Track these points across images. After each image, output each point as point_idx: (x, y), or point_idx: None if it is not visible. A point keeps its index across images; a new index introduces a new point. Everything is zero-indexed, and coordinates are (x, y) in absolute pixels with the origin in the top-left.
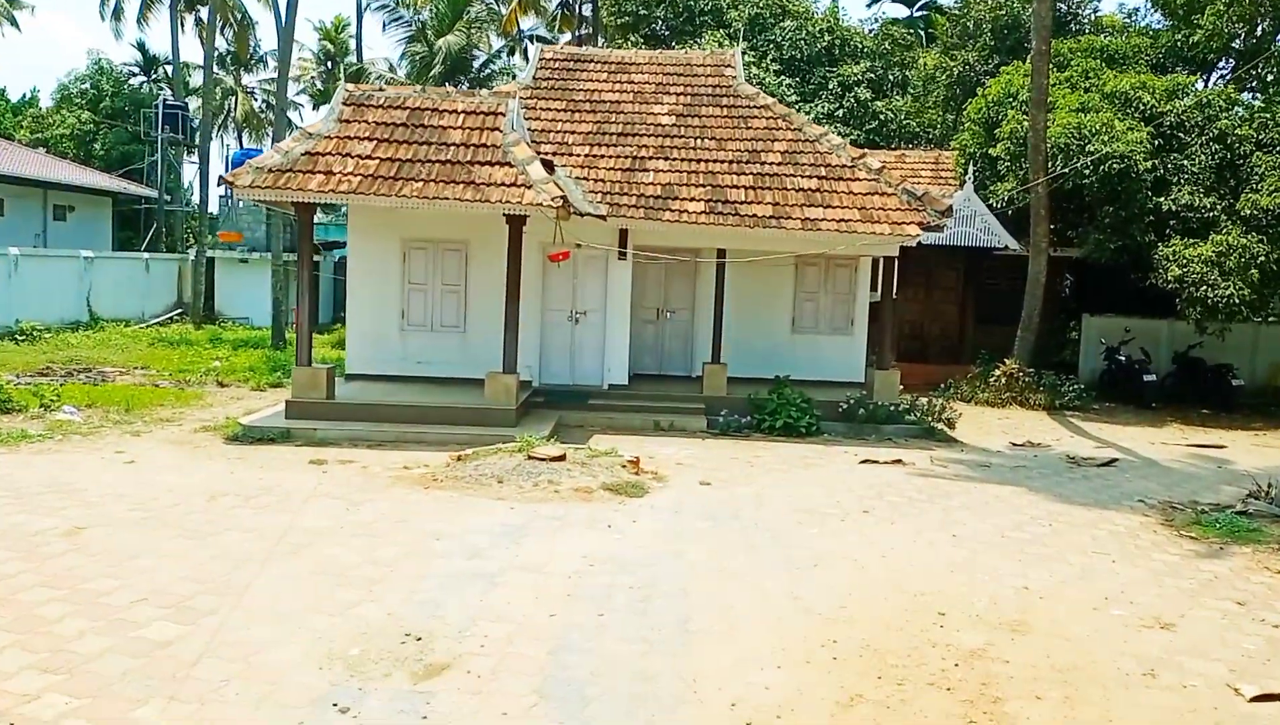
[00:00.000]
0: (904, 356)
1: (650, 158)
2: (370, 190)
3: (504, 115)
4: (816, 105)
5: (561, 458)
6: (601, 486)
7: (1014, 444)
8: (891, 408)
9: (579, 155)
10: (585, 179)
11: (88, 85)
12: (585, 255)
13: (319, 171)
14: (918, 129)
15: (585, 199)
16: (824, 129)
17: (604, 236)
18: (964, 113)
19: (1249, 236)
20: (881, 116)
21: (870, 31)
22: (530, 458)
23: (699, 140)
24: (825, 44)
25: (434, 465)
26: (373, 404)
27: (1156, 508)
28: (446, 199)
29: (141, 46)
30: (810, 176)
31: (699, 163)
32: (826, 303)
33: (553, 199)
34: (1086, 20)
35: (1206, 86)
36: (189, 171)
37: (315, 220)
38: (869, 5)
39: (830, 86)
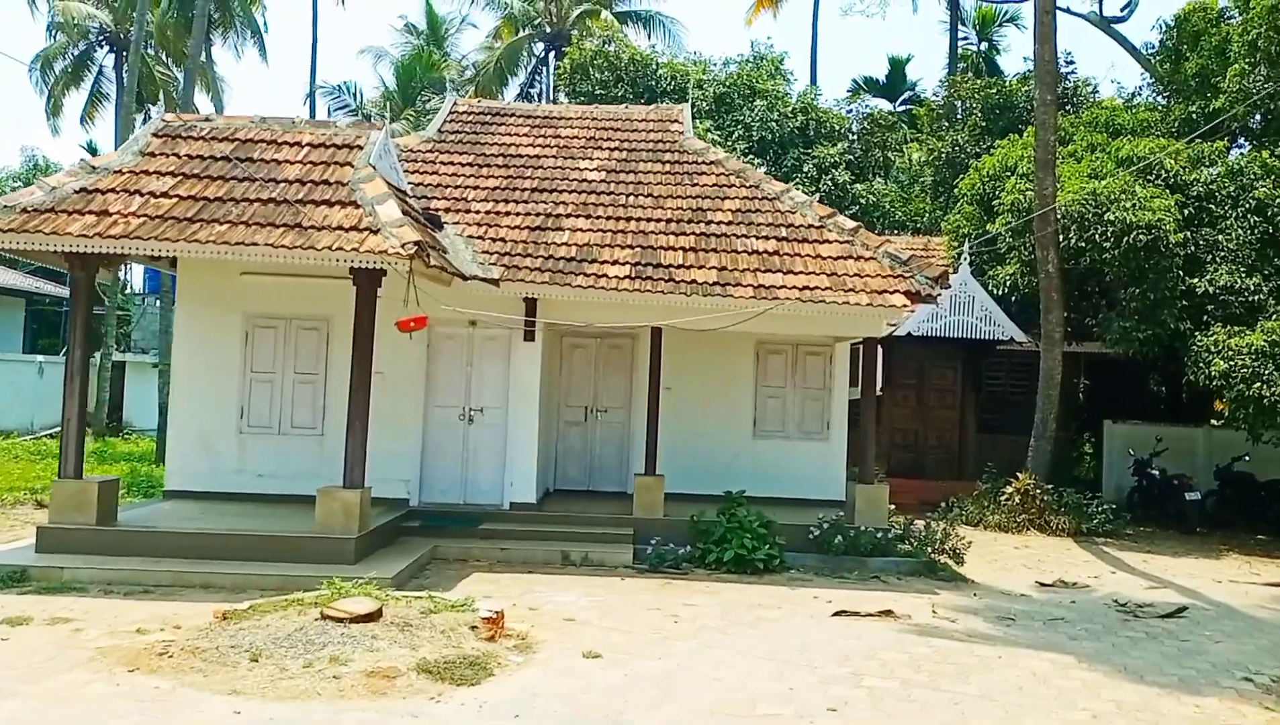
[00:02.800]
0: (895, 470)
1: (567, 216)
2: (152, 234)
3: (360, 149)
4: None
5: (373, 616)
6: (417, 666)
7: (1042, 584)
8: (878, 534)
9: (478, 212)
10: (481, 238)
11: (20, 183)
12: (483, 336)
13: (91, 212)
14: (904, 218)
15: (475, 260)
16: (786, 186)
17: (506, 310)
18: (955, 191)
19: None
20: (863, 201)
21: (848, 113)
22: (326, 616)
23: (631, 197)
24: (798, 124)
25: (187, 628)
26: (162, 532)
27: (1275, 689)
28: (255, 245)
29: (91, 147)
30: (767, 237)
31: (628, 221)
32: (796, 400)
33: (404, 245)
34: (1084, 101)
35: (1235, 155)
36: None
37: None
38: (849, 100)
39: (805, 169)
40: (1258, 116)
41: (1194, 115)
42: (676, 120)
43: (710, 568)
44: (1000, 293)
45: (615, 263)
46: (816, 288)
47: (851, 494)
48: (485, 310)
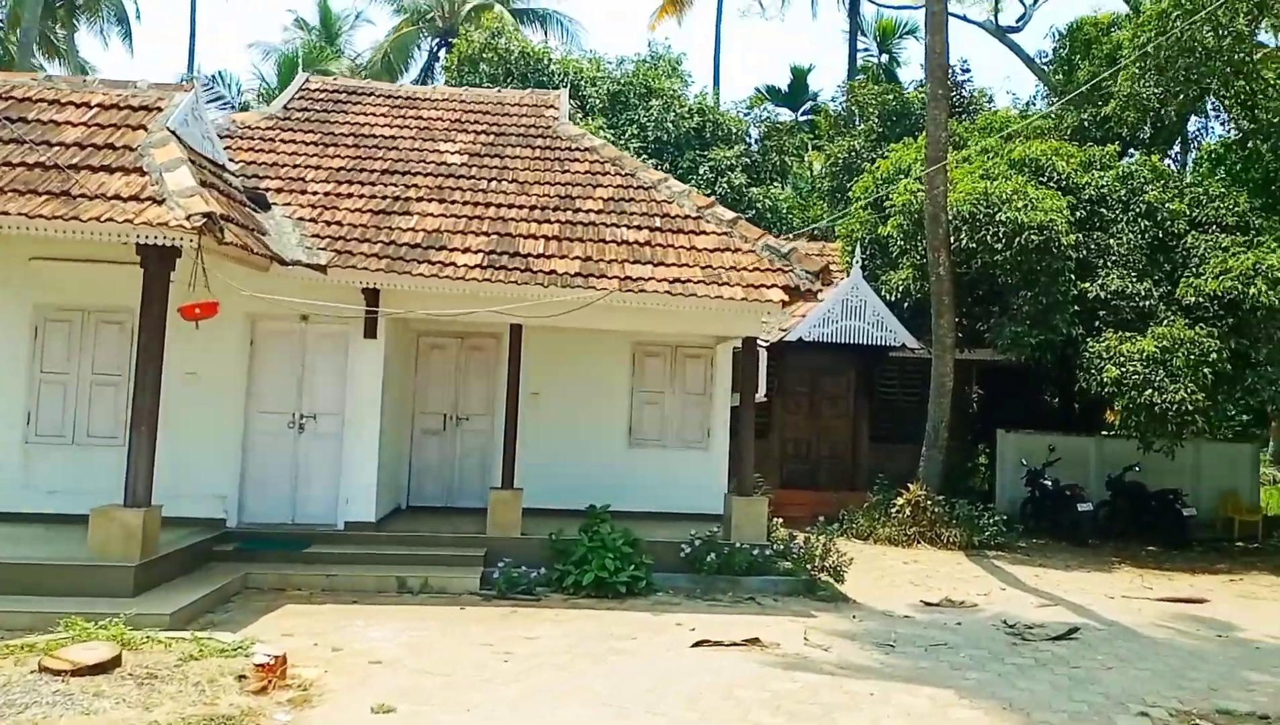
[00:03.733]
0: (789, 481)
1: (418, 200)
2: None
3: (160, 111)
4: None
5: (106, 666)
6: None
7: (927, 603)
8: (755, 551)
9: (315, 193)
10: (314, 221)
11: None
12: (318, 332)
13: None
14: (801, 224)
15: (303, 244)
16: (663, 175)
17: (344, 302)
18: (850, 195)
19: (1195, 329)
20: (759, 205)
21: (746, 116)
22: (44, 668)
23: (493, 182)
24: (695, 126)
25: None
26: None
27: (1174, 721)
28: (6, 214)
29: None
30: (639, 227)
31: (487, 207)
32: (675, 406)
33: (189, 217)
34: (980, 110)
35: (1126, 160)
36: None
37: None
38: (748, 111)
39: (701, 171)
40: (1147, 126)
41: (1086, 122)
42: (553, 106)
43: (568, 592)
44: (893, 298)
45: (466, 251)
46: (689, 281)
47: (729, 508)
48: (318, 301)
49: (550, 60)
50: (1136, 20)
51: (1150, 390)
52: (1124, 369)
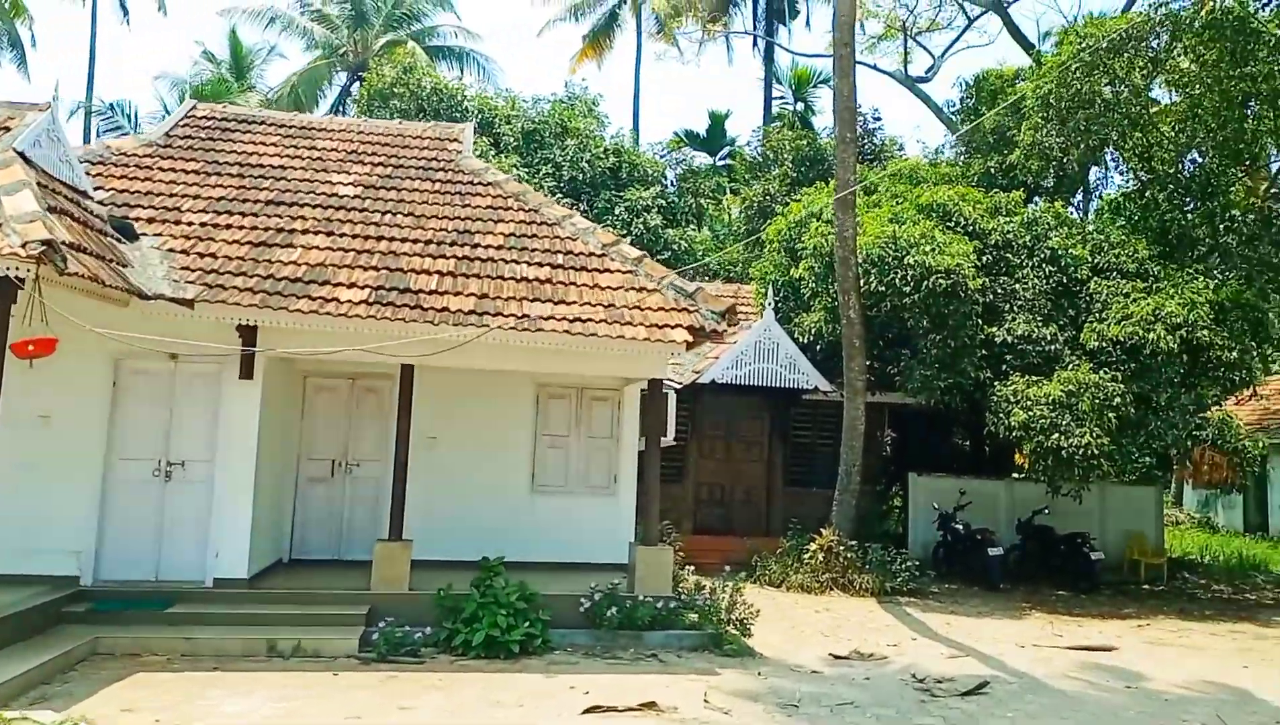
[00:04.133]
0: (703, 526)
1: (304, 232)
2: None
3: (8, 131)
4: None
5: None
6: None
7: (836, 656)
8: (659, 604)
9: (190, 224)
10: (186, 253)
11: None
12: (189, 372)
13: None
14: (718, 267)
15: (169, 277)
16: (569, 211)
17: (218, 341)
18: (764, 237)
19: (1100, 373)
20: (675, 246)
21: (663, 158)
22: None
23: (387, 215)
24: (610, 166)
25: None
26: None
27: None
28: None
29: None
30: (540, 264)
31: (378, 241)
32: (580, 450)
33: (26, 245)
34: (891, 157)
35: (1031, 207)
36: None
37: None
38: (666, 153)
39: (617, 211)
40: (1051, 175)
41: (992, 170)
42: (456, 139)
43: (457, 652)
44: (806, 341)
45: (352, 286)
46: (590, 320)
47: (633, 557)
48: (188, 339)
49: (464, 97)
50: (1039, 72)
51: (1057, 434)
52: (1031, 413)
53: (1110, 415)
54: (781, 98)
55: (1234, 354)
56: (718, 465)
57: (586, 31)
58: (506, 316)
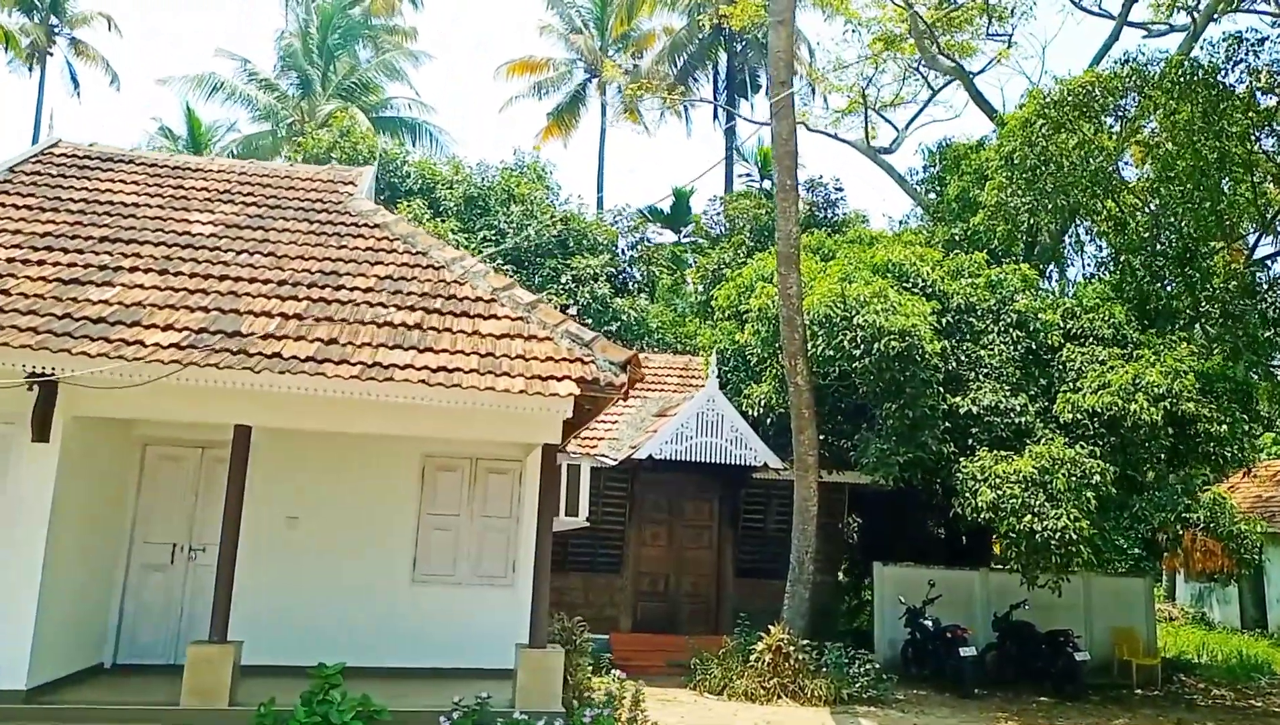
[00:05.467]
0: (644, 623)
1: (131, 270)
2: None
3: None
4: (544, 299)
5: None
6: None
7: None
8: (544, 720)
9: None
10: None
11: None
12: None
13: None
14: (674, 341)
15: None
16: (462, 253)
17: (12, 396)
18: (713, 304)
19: (1076, 448)
20: (624, 317)
21: (614, 225)
22: None
23: (243, 256)
24: (557, 233)
25: None
26: None
27: None
28: None
29: None
30: (413, 308)
31: (220, 281)
32: (473, 532)
33: None
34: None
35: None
36: None
37: None
38: (621, 226)
39: (562, 279)
40: (1021, 245)
41: (957, 237)
42: (351, 182)
43: None
44: (756, 413)
45: (168, 328)
46: (458, 369)
47: (519, 665)
48: None
49: (404, 161)
50: (1003, 131)
51: (1030, 516)
52: (1000, 492)
53: (1089, 494)
54: (747, 175)
55: (1224, 428)
56: (661, 553)
57: (551, 109)
58: (352, 364)
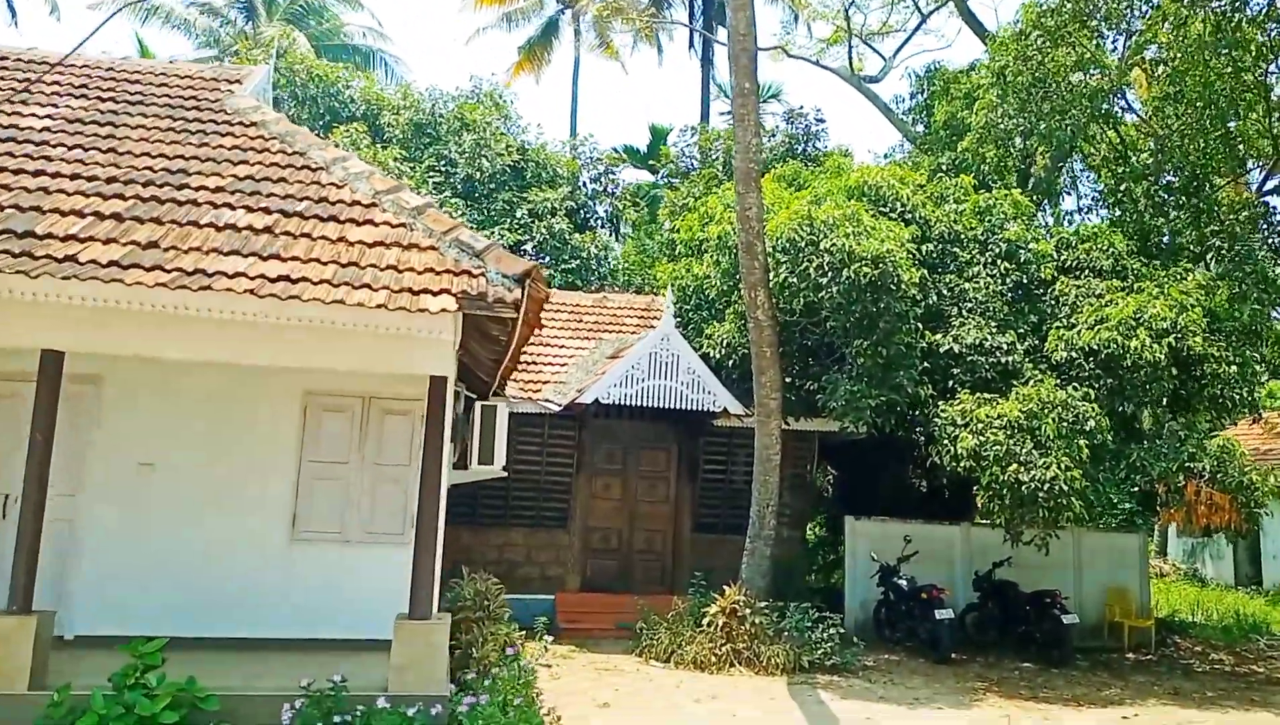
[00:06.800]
0: (594, 582)
1: None
2: None
3: None
4: (495, 234)
5: None
6: None
7: None
8: (416, 710)
9: None
10: None
11: None
12: None
13: None
14: (643, 282)
15: None
16: (345, 154)
17: None
18: (675, 237)
19: (1068, 390)
20: (584, 254)
21: (577, 157)
22: None
23: (73, 150)
24: (512, 163)
25: None
26: None
27: None
28: None
29: None
30: (269, 211)
31: (34, 176)
32: (364, 483)
33: None
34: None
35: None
36: None
37: None
38: (592, 164)
39: (518, 214)
40: (1011, 174)
41: (943, 166)
42: (236, 80)
43: None
44: (718, 355)
45: None
46: (303, 280)
47: (398, 638)
48: None
49: (347, 85)
50: (994, 45)
51: (1015, 465)
52: (983, 438)
53: (1081, 442)
54: (727, 112)
55: (1233, 369)
56: (613, 506)
57: (522, 43)
58: (166, 271)
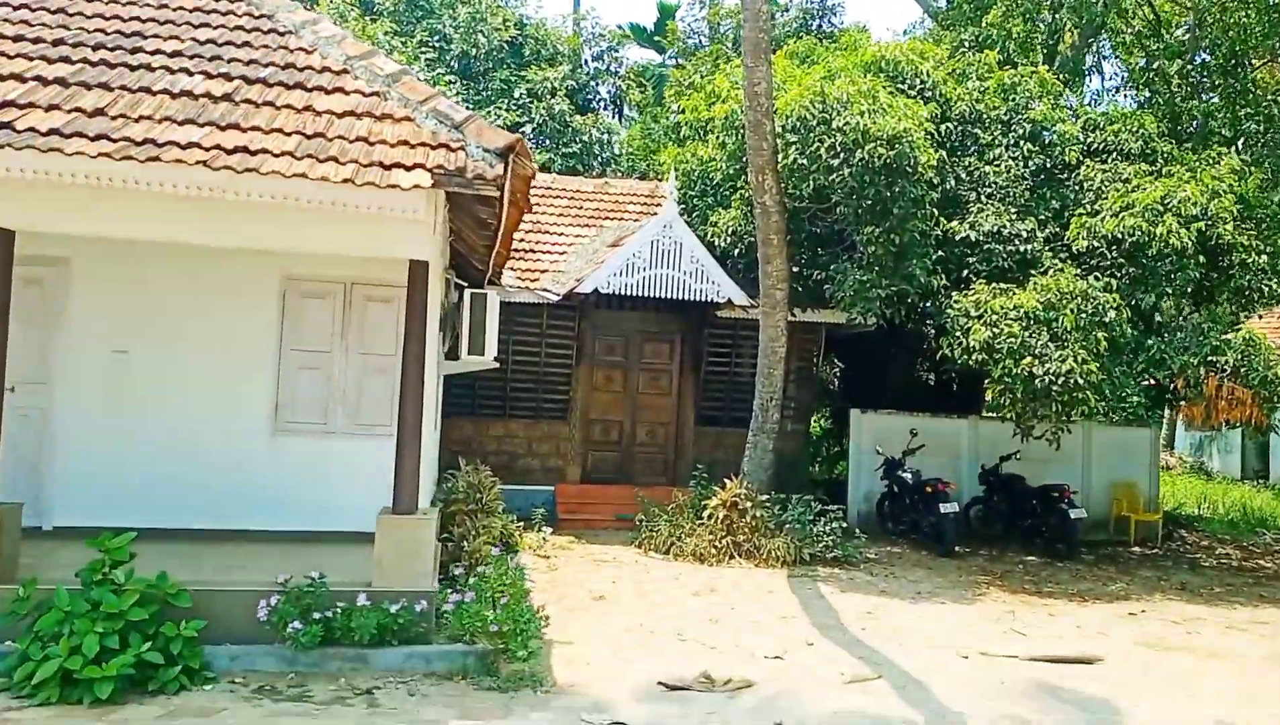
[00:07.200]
0: (595, 474)
1: None
2: None
3: None
4: (492, 115)
5: None
6: None
7: (669, 686)
8: (398, 606)
9: None
10: None
11: None
12: None
13: None
14: (648, 169)
15: None
16: (317, 17)
17: None
18: (681, 119)
19: (1088, 280)
20: (586, 138)
21: (578, 33)
22: None
23: (21, 10)
24: (510, 39)
25: None
26: None
27: None
28: None
29: None
30: (229, 77)
31: None
32: (349, 373)
33: None
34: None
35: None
36: None
37: None
38: (595, 41)
39: (516, 93)
40: (1038, 51)
41: (966, 42)
42: None
43: (24, 693)
44: (724, 244)
45: None
46: (263, 151)
47: (378, 532)
48: None
49: None
50: None
51: (1030, 358)
52: (996, 330)
53: (1100, 334)
54: None
55: (1263, 258)
56: (614, 398)
57: None
58: (108, 140)
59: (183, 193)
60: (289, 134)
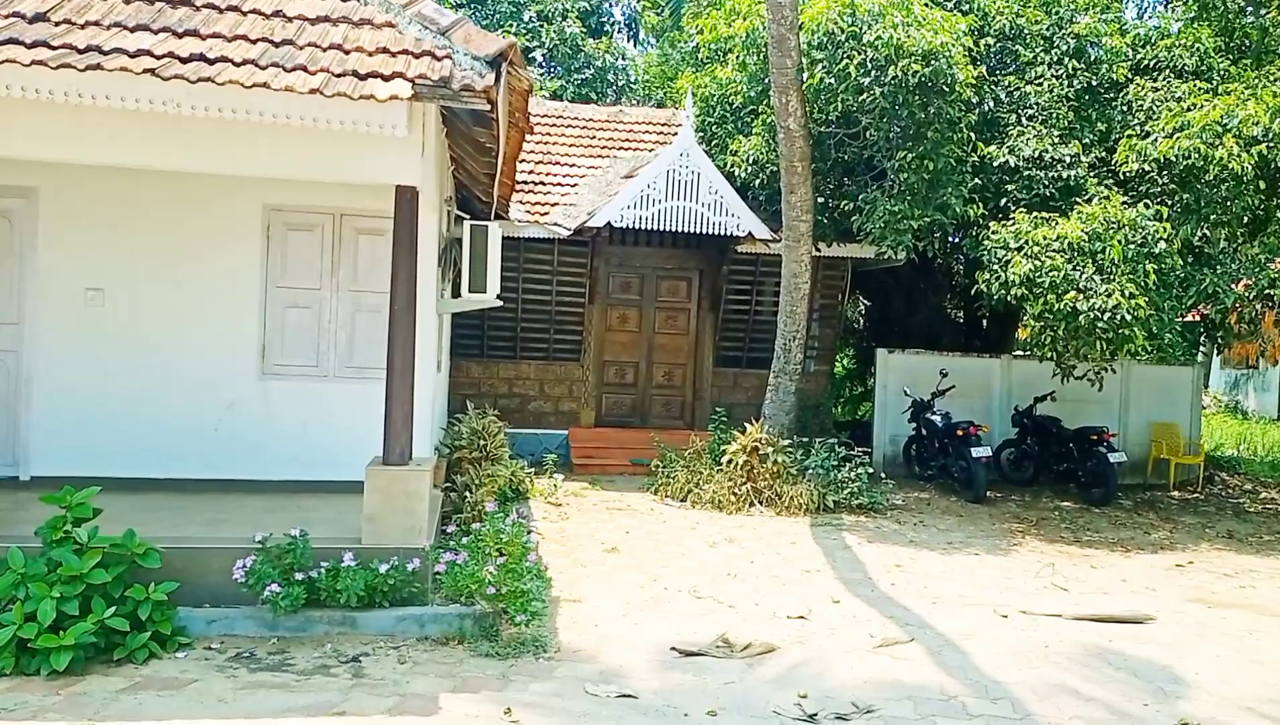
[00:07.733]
0: (609, 418)
1: None
2: None
3: None
4: None
5: None
6: None
7: (683, 652)
8: (388, 565)
9: None
10: None
11: None
12: None
13: None
14: (664, 96)
15: None
16: None
17: None
18: (699, 42)
19: (1137, 208)
20: (599, 63)
21: None
22: None
23: None
24: None
25: None
26: None
27: None
28: None
29: None
30: None
31: None
32: (340, 312)
33: None
34: None
35: None
36: None
37: None
38: None
39: (525, 16)
40: None
41: None
42: None
43: None
44: (743, 176)
45: None
46: (222, 59)
47: (366, 485)
48: None
49: None
50: None
51: (1073, 292)
52: (1038, 263)
53: (1149, 266)
54: None
55: None
56: (629, 338)
57: None
58: (54, 48)
59: (132, 108)
60: (254, 41)
